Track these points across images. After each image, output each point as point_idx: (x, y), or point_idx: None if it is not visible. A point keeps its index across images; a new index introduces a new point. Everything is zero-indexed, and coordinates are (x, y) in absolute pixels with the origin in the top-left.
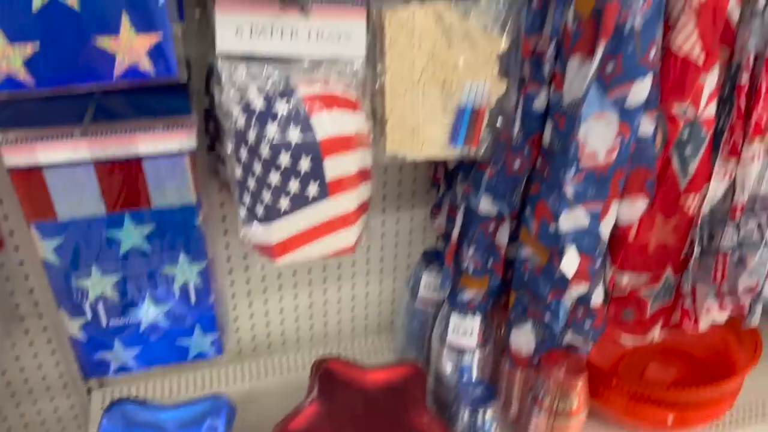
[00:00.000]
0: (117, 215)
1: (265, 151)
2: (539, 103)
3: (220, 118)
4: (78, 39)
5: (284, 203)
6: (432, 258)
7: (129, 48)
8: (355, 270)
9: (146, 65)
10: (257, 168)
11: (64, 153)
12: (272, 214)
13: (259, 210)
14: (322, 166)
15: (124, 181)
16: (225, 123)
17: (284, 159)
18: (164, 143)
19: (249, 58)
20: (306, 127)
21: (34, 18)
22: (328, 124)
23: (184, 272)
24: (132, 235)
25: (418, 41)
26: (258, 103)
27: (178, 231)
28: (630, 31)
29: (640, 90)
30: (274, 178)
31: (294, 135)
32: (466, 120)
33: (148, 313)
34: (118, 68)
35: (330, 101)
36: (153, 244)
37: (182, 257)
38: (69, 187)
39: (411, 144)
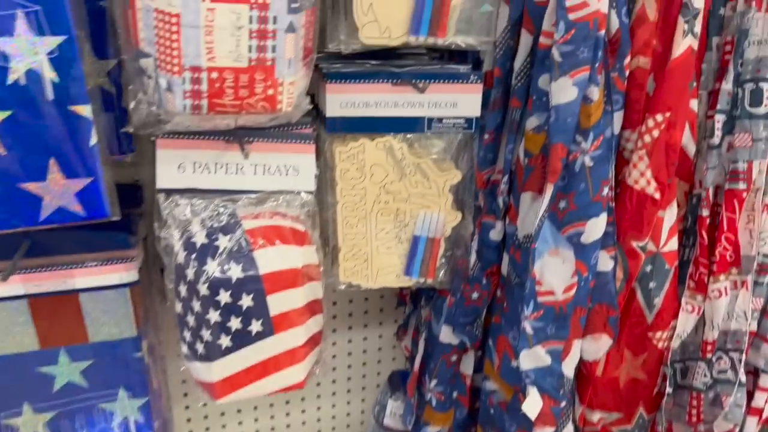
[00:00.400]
0: (51, 351)
1: (203, 288)
2: (495, 233)
3: (160, 252)
4: (2, 182)
5: (225, 341)
6: (399, 382)
7: (57, 191)
8: (321, 391)
9: (76, 207)
10: (196, 305)
11: None
12: (213, 352)
13: (199, 347)
14: (266, 302)
15: (59, 316)
16: (165, 258)
17: (224, 296)
18: (103, 277)
19: (193, 191)
20: (248, 262)
21: None
22: (272, 258)
23: (124, 408)
24: (67, 371)
25: (370, 172)
26: (199, 239)
27: (118, 365)
28: (581, 168)
29: (595, 227)
30: (214, 315)
31: (235, 271)
32: (421, 250)
33: None
34: (45, 211)
35: (276, 235)
36: (90, 380)
37: (122, 392)
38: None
39: (365, 273)
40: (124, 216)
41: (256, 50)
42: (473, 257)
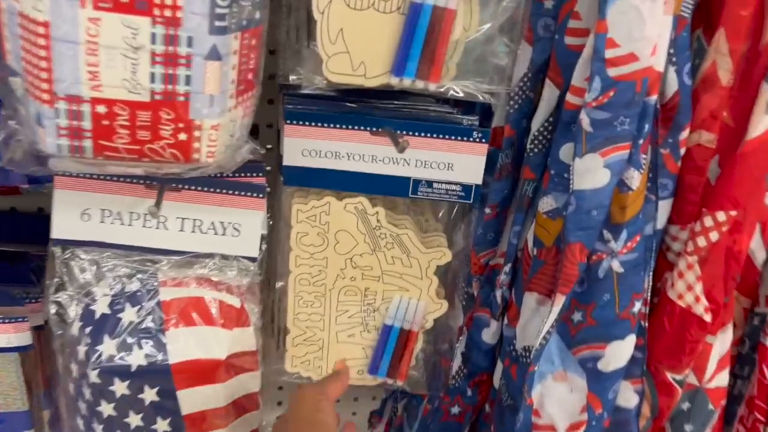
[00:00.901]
0: None
1: (92, 374)
2: (489, 335)
3: (50, 320)
4: None
5: None
6: None
7: None
8: None
9: None
10: (86, 392)
11: None
12: None
13: None
14: (176, 398)
15: None
16: (54, 328)
17: (120, 387)
18: None
19: (101, 245)
20: (157, 345)
21: None
22: (188, 343)
23: None
24: None
25: (334, 239)
26: (100, 308)
27: None
28: (607, 275)
29: (619, 352)
30: (107, 408)
31: (136, 357)
32: (392, 343)
33: None
34: None
35: (198, 311)
36: None
37: None
38: None
39: (318, 365)
40: (19, 261)
41: (161, 80)
42: (458, 360)
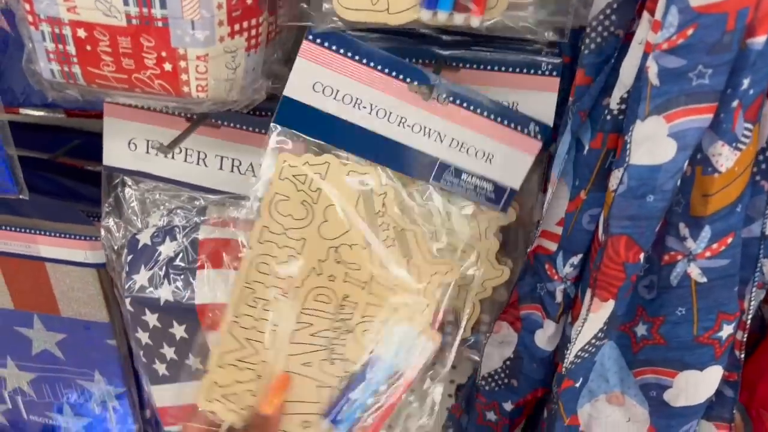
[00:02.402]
0: (26, 314)
1: (127, 302)
2: (545, 338)
3: (103, 240)
4: None
5: (161, 368)
6: None
7: None
8: None
9: None
10: (128, 318)
11: None
12: (151, 375)
13: (139, 364)
14: (205, 338)
15: (30, 281)
16: (106, 251)
17: (151, 318)
18: (67, 251)
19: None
20: (185, 283)
21: None
22: (216, 286)
23: (101, 391)
24: (43, 337)
25: (321, 215)
26: (143, 238)
27: (91, 347)
28: (682, 282)
29: (695, 385)
30: (143, 336)
31: (165, 292)
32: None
33: (68, 422)
34: None
35: (229, 253)
36: (66, 353)
37: (98, 375)
38: None
39: (246, 403)
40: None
41: (135, 3)
42: (494, 362)
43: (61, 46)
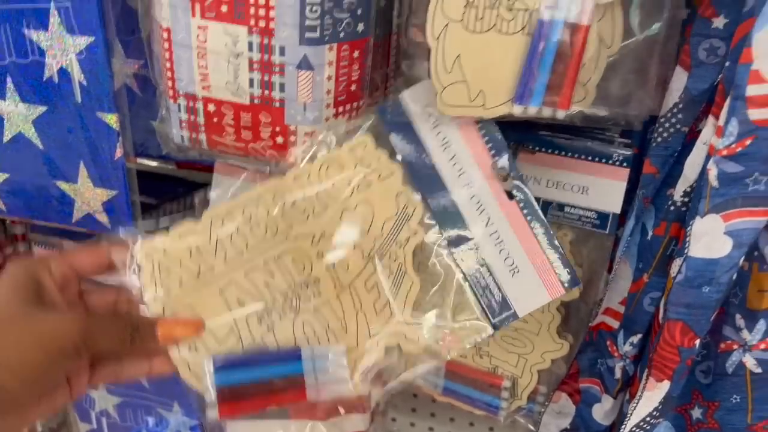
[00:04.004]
0: None
1: None
2: (602, 413)
3: None
4: (41, 177)
5: None
6: None
7: (87, 197)
8: None
9: (102, 217)
10: None
11: None
12: None
13: None
14: None
15: None
16: None
17: None
18: None
19: None
20: None
21: (3, 148)
22: None
23: (178, 421)
24: None
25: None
26: None
27: (174, 379)
28: (737, 371)
29: None
30: None
31: None
32: None
33: None
34: (77, 213)
35: None
36: (151, 382)
37: (176, 406)
38: None
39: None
40: None
41: (258, 85)
42: None
43: (192, 117)
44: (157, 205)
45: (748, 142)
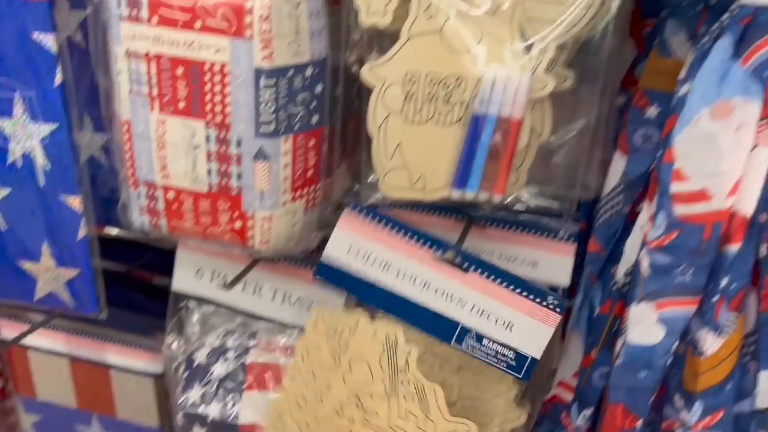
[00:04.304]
0: (86, 413)
1: (179, 417)
2: None
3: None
4: (3, 256)
5: None
6: None
7: (49, 276)
8: None
9: (65, 296)
10: (178, 429)
11: (45, 340)
12: None
13: None
14: None
15: (94, 384)
16: (166, 364)
17: None
18: (132, 359)
19: (209, 302)
20: (233, 403)
21: None
22: (259, 407)
23: None
24: None
25: (347, 366)
26: (200, 357)
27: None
28: None
29: None
30: None
31: (213, 409)
32: None
33: None
34: (39, 292)
35: (274, 378)
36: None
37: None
38: (47, 372)
39: None
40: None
41: (216, 175)
42: None
43: (153, 204)
44: (125, 272)
45: (674, 235)
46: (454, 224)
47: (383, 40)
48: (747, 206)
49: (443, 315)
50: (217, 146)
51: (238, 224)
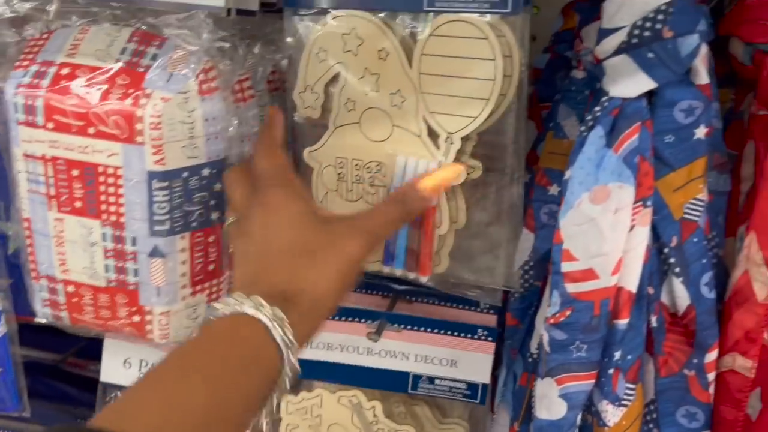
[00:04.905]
0: None
1: None
2: None
3: None
4: None
5: None
6: None
7: None
8: None
9: None
10: None
11: None
12: None
13: None
14: None
15: None
16: None
17: None
18: None
19: None
20: None
21: None
22: None
23: None
24: None
25: None
26: None
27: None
28: None
29: None
30: None
31: None
32: None
33: None
34: None
35: None
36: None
37: None
38: None
39: None
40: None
41: (114, 270)
42: None
43: (54, 297)
44: (57, 361)
45: (567, 312)
46: (381, 300)
47: (317, 129)
48: (630, 283)
49: (393, 370)
50: (114, 244)
51: (136, 318)
